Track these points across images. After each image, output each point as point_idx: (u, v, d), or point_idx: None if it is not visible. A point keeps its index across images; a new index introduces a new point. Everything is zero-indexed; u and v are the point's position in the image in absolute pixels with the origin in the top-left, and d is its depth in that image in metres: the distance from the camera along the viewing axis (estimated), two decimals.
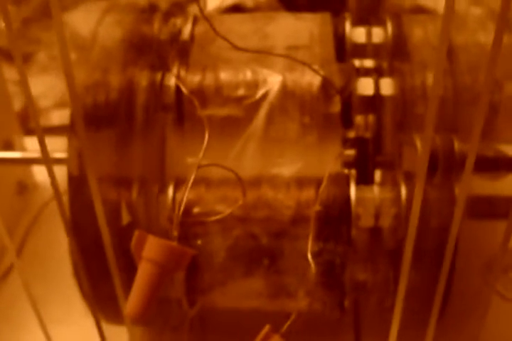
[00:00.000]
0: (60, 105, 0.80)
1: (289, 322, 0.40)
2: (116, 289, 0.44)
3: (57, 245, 0.54)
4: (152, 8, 0.54)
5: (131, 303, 0.38)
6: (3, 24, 0.83)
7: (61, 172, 0.47)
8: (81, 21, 0.82)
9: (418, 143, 0.42)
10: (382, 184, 0.47)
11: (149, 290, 0.39)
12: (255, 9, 0.72)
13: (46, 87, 0.81)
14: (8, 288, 0.60)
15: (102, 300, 0.47)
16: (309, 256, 0.44)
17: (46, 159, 0.38)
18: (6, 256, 0.61)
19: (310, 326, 0.48)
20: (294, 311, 0.41)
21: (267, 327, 0.40)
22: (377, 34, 0.51)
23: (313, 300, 0.49)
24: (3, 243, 0.41)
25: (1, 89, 0.64)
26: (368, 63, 0.49)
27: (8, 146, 0.63)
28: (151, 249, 0.39)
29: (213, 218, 0.44)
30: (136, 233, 0.37)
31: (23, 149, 0.65)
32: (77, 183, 0.47)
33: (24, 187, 0.66)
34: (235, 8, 0.75)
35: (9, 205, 0.64)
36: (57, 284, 0.58)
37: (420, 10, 0.58)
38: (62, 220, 0.41)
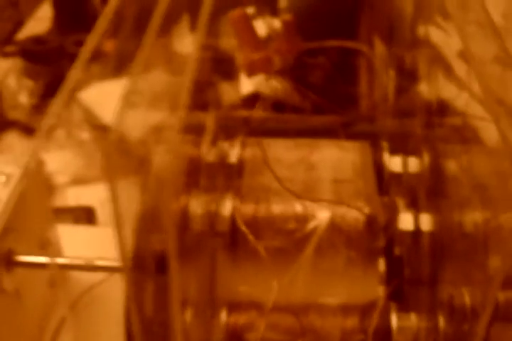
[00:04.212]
0: (76, 182, 0.83)
1: None
2: None
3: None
4: (199, 130, 0.57)
5: None
6: (23, 99, 0.86)
7: None
8: (96, 101, 0.85)
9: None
10: (419, 312, 0.51)
11: None
12: (272, 96, 0.76)
13: (63, 163, 0.83)
14: None
15: None
16: None
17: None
18: None
19: None
20: None
21: None
22: (414, 163, 0.55)
23: None
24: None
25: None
26: (406, 196, 0.53)
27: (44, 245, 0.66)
28: None
29: None
30: None
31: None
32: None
33: (55, 281, 0.68)
34: (254, 97, 0.79)
35: (42, 299, 0.67)
36: None
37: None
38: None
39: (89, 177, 0.82)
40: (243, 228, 0.50)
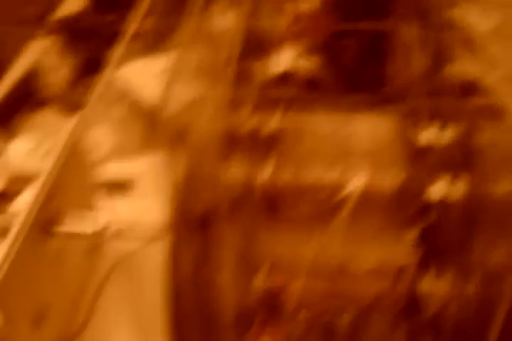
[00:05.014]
0: (115, 156, 0.85)
1: None
2: None
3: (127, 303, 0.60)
4: (238, 101, 0.59)
5: None
6: (58, 75, 0.88)
7: None
8: (135, 77, 0.87)
9: None
10: (447, 277, 0.53)
11: None
12: (304, 77, 0.78)
13: (102, 138, 0.85)
14: None
15: None
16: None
17: None
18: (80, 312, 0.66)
19: None
20: None
21: None
22: (445, 136, 0.56)
23: None
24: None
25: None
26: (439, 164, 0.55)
27: (83, 208, 0.68)
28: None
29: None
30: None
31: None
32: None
33: (96, 247, 0.71)
34: (285, 76, 0.80)
35: (80, 264, 0.70)
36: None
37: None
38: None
39: (128, 152, 0.84)
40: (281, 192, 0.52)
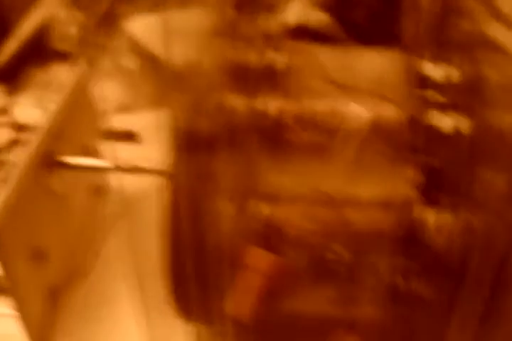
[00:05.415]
0: (119, 110, 0.85)
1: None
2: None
3: (135, 246, 0.59)
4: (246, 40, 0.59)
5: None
6: (69, 29, 0.88)
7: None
8: (143, 31, 0.87)
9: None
10: (452, 209, 0.52)
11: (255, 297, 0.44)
12: (318, 30, 0.77)
13: (110, 92, 0.85)
14: (88, 287, 0.65)
15: (193, 299, 0.53)
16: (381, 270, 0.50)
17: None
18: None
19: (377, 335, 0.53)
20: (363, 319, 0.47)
21: (349, 334, 0.45)
22: (452, 70, 0.56)
23: (380, 310, 0.54)
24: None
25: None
26: (445, 98, 0.54)
27: (86, 152, 0.68)
28: (260, 261, 0.44)
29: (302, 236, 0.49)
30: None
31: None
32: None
33: (99, 189, 0.71)
34: (299, 29, 0.80)
35: (89, 207, 0.69)
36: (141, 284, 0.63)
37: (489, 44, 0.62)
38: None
39: (135, 105, 0.84)
40: (286, 121, 0.51)
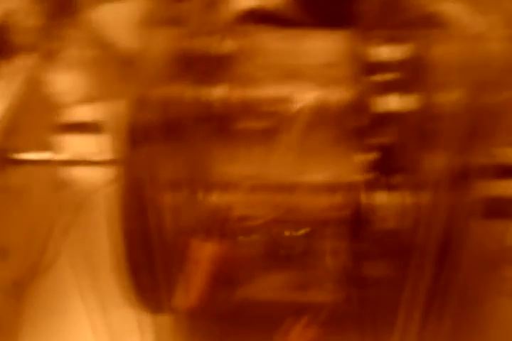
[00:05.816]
0: (82, 102, 0.84)
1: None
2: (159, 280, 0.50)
3: (96, 239, 0.59)
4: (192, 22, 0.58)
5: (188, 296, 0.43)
6: (29, 21, 0.87)
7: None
8: (108, 20, 0.86)
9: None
10: (401, 189, 0.52)
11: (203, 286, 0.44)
12: (273, 14, 0.77)
13: (70, 84, 0.85)
14: (50, 280, 0.65)
15: (144, 290, 0.53)
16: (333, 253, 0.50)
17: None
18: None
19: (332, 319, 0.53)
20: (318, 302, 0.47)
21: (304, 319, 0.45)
22: (397, 50, 0.56)
23: (333, 293, 0.54)
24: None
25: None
26: (390, 79, 0.54)
27: (42, 145, 0.68)
28: (201, 251, 0.44)
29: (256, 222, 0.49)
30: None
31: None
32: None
33: (60, 184, 0.70)
34: (253, 13, 0.79)
35: (46, 202, 0.69)
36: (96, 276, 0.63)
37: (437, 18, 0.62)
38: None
39: (97, 97, 0.83)
40: (231, 108, 0.51)
